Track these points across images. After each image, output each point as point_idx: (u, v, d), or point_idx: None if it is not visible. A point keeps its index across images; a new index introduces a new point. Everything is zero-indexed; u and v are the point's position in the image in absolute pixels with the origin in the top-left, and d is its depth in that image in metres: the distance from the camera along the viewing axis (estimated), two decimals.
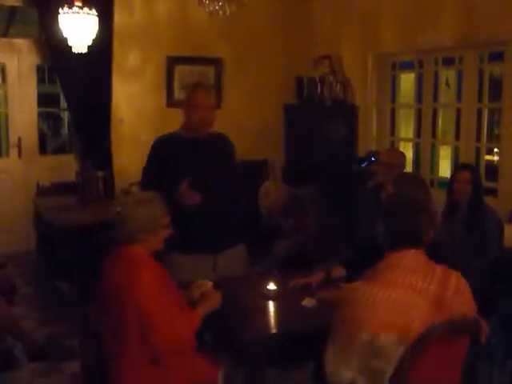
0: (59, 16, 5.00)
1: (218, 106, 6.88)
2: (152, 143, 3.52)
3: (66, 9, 4.93)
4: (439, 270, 2.25)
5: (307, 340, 2.70)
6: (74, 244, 4.93)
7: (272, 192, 5.03)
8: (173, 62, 6.88)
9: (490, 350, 3.21)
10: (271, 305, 2.99)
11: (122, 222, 2.64)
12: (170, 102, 6.98)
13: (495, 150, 6.74)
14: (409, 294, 2.13)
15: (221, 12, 4.56)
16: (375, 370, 2.10)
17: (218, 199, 3.34)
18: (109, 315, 2.57)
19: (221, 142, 3.55)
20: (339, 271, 3.30)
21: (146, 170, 3.49)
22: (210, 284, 2.91)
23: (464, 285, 2.25)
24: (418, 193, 2.88)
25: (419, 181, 3.41)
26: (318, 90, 6.77)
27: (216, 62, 7.08)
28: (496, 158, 6.52)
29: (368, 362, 2.10)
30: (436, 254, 2.34)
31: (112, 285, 2.57)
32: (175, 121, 6.76)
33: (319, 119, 6.59)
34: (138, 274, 2.52)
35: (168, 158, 3.36)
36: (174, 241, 3.23)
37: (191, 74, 7.02)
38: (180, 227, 3.23)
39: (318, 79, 6.80)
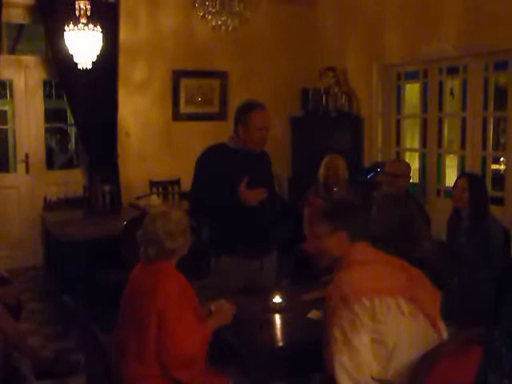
0: (65, 33, 5.05)
1: (224, 118, 7.02)
2: (199, 156, 3.52)
3: (71, 26, 4.99)
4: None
5: (313, 352, 2.69)
6: (82, 258, 4.94)
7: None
8: (179, 75, 6.92)
9: (500, 359, 3.18)
10: (277, 317, 2.99)
11: (144, 240, 2.70)
12: (176, 116, 7.02)
13: (501, 158, 6.70)
14: (388, 267, 2.29)
15: (223, 27, 4.61)
16: (378, 341, 2.12)
17: (264, 207, 3.41)
18: (132, 324, 2.62)
19: (261, 153, 3.63)
20: None
21: (197, 184, 3.49)
22: (226, 302, 2.93)
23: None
24: None
25: None
26: (324, 101, 6.81)
27: (221, 75, 7.12)
28: (502, 166, 6.50)
29: (372, 334, 2.12)
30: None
31: (137, 293, 2.64)
32: (181, 134, 6.94)
33: (325, 130, 6.60)
34: (161, 282, 2.60)
35: (216, 169, 3.40)
36: (224, 245, 3.28)
37: (197, 88, 7.07)
38: (230, 232, 3.37)
39: (323, 91, 6.83)
